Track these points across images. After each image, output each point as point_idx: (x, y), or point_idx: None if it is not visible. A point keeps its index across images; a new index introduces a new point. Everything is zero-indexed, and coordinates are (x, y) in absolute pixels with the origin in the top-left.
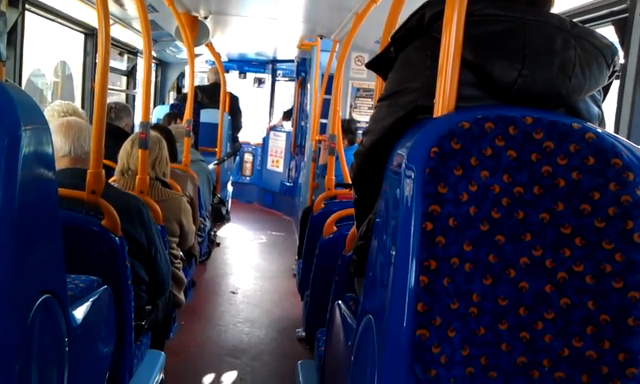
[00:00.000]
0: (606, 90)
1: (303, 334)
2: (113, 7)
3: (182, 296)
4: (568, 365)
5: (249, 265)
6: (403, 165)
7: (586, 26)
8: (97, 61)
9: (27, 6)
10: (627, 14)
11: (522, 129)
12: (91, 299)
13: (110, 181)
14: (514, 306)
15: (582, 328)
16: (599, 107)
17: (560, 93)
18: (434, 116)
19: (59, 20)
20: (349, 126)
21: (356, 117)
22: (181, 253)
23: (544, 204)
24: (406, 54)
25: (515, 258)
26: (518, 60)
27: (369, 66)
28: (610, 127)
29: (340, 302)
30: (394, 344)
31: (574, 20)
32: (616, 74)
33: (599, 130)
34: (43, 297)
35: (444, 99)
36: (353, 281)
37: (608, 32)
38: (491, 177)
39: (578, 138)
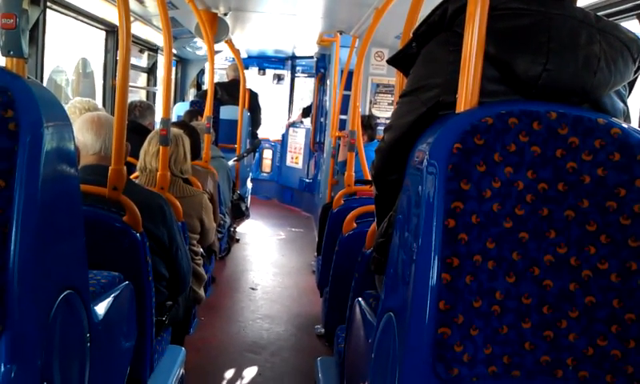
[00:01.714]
0: (632, 85)
1: (322, 330)
2: (133, 4)
3: (202, 292)
4: (592, 364)
5: (268, 261)
6: (425, 161)
7: (610, 19)
8: (118, 58)
9: (48, 3)
10: None
11: (547, 124)
12: (113, 295)
13: (131, 177)
14: (538, 304)
15: (606, 327)
16: (624, 103)
17: (585, 88)
18: (457, 111)
19: (80, 17)
20: (368, 122)
21: (376, 113)
22: (201, 249)
23: (569, 201)
24: (428, 50)
25: (539, 256)
26: (543, 54)
27: (390, 61)
28: (634, 123)
29: (360, 299)
30: (415, 342)
31: (598, 13)
32: None
33: (625, 126)
34: (65, 292)
35: (467, 94)
36: (373, 278)
37: (632, 26)
38: (515, 173)
39: (604, 134)
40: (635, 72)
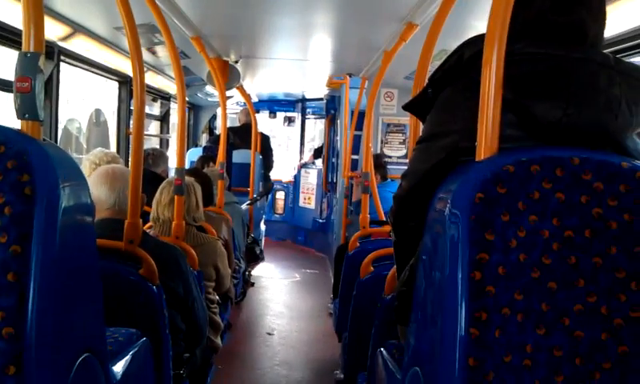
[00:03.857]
0: None
1: (342, 376)
2: (147, 56)
3: (218, 340)
4: None
5: (284, 304)
6: (447, 211)
7: (622, 55)
8: (132, 108)
9: (62, 57)
10: None
11: (570, 170)
12: (131, 353)
13: (145, 227)
14: (570, 356)
15: None
16: None
17: (607, 131)
18: (477, 159)
19: (93, 69)
20: (377, 161)
21: (387, 152)
22: (217, 297)
23: (596, 248)
24: (444, 96)
25: (569, 306)
26: (562, 99)
27: (406, 107)
28: None
29: (382, 349)
30: None
31: (609, 50)
32: None
33: None
34: (83, 356)
35: (486, 141)
36: (393, 324)
37: None
38: (540, 221)
39: (629, 178)
40: None
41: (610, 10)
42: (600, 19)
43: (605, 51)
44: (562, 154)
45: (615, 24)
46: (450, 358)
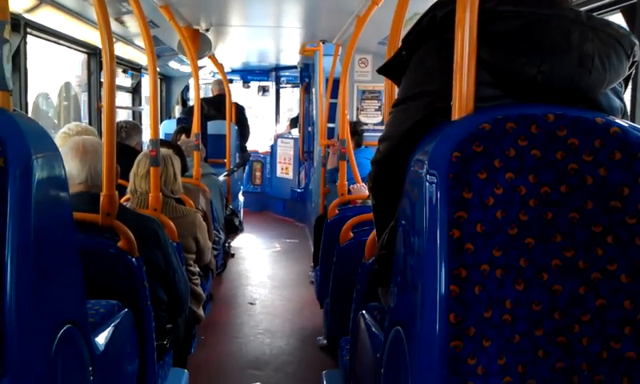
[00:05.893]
0: (627, 80)
1: (325, 341)
2: (114, 26)
3: (201, 311)
4: (608, 367)
5: (265, 274)
6: (425, 171)
7: (599, 13)
8: (102, 80)
9: (29, 29)
10: (636, 0)
11: (545, 127)
12: (112, 324)
13: (122, 200)
14: (549, 310)
15: (619, 329)
16: (621, 99)
17: (580, 87)
18: (453, 119)
19: (61, 42)
20: (354, 128)
21: (363, 119)
22: (198, 269)
23: (572, 203)
24: (418, 57)
25: (547, 261)
26: (536, 55)
27: (380, 71)
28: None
29: (364, 312)
30: (427, 357)
31: (582, 8)
32: (636, 63)
33: (624, 124)
34: (65, 327)
35: (461, 101)
36: (374, 289)
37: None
38: (516, 178)
39: (603, 133)
40: (630, 68)
41: None
42: None
43: (581, 9)
44: (537, 112)
45: None
46: (432, 316)
